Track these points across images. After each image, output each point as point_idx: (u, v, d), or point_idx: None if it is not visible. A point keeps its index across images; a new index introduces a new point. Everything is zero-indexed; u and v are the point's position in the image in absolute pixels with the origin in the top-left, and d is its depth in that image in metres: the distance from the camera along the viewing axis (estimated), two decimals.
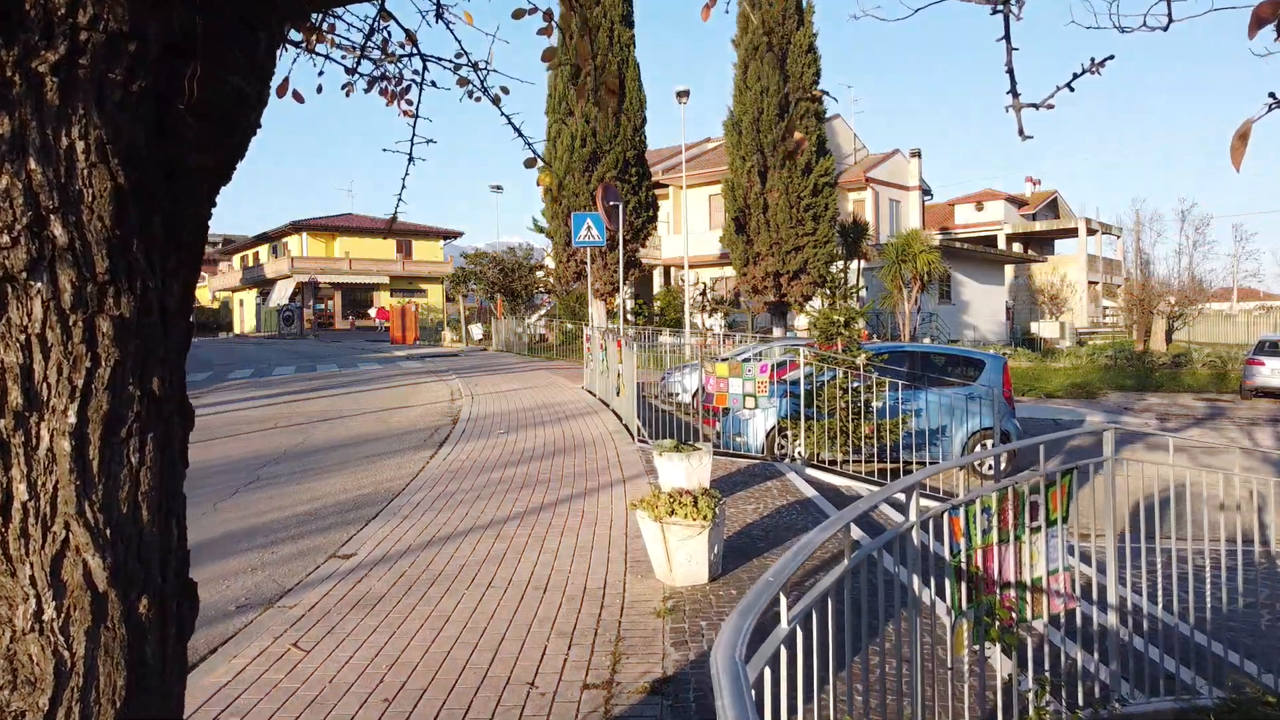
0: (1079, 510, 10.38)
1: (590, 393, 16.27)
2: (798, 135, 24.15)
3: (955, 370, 13.01)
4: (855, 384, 10.49)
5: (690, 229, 31.38)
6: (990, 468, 12.01)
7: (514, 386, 18.39)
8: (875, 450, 10.40)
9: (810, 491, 8.37)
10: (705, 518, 5.41)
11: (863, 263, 30.26)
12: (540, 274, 34.28)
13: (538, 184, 2.39)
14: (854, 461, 10.27)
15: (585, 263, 20.79)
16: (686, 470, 7.36)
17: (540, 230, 28.42)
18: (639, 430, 11.18)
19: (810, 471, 9.68)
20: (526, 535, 6.85)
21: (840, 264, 28.14)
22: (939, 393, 11.39)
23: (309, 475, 9.62)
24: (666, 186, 36.76)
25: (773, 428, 11.33)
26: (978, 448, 11.99)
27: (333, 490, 8.84)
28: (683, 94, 25.80)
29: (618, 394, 13.09)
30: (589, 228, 17.71)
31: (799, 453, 11.49)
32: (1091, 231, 54.70)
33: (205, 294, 73.73)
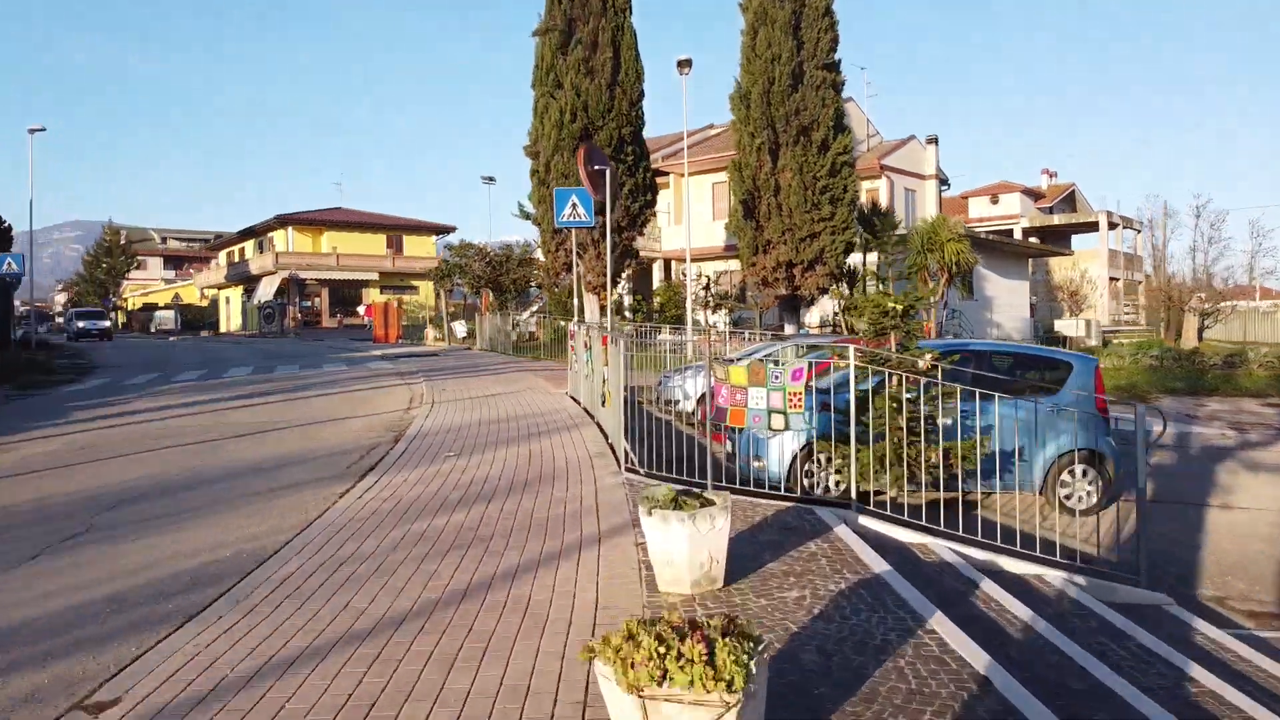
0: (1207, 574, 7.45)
1: (574, 400, 13.59)
2: None
3: (1030, 374, 10.25)
4: (911, 393, 7.75)
5: (692, 220, 28.60)
6: (1079, 499, 9.28)
7: (486, 392, 15.69)
8: (938, 479, 7.63)
9: (875, 561, 5.59)
10: (729, 688, 2.64)
11: (878, 255, 27.43)
12: (533, 268, 31.61)
13: None
14: (909, 492, 7.48)
15: (574, 252, 18.04)
16: (691, 540, 4.65)
17: (526, 216, 25.65)
18: (627, 454, 8.49)
19: (864, 520, 6.94)
20: (425, 657, 4.13)
21: (859, 255, 25.38)
22: (1017, 403, 8.64)
23: (162, 523, 6.92)
24: (667, 174, 34.03)
25: (801, 449, 8.64)
26: (1065, 474, 9.27)
27: (178, 551, 6.14)
28: (684, 63, 23.05)
29: (603, 404, 10.34)
30: (574, 205, 14.94)
31: (833, 482, 8.78)
32: (1112, 225, 51.93)
33: (193, 292, 71.42)
